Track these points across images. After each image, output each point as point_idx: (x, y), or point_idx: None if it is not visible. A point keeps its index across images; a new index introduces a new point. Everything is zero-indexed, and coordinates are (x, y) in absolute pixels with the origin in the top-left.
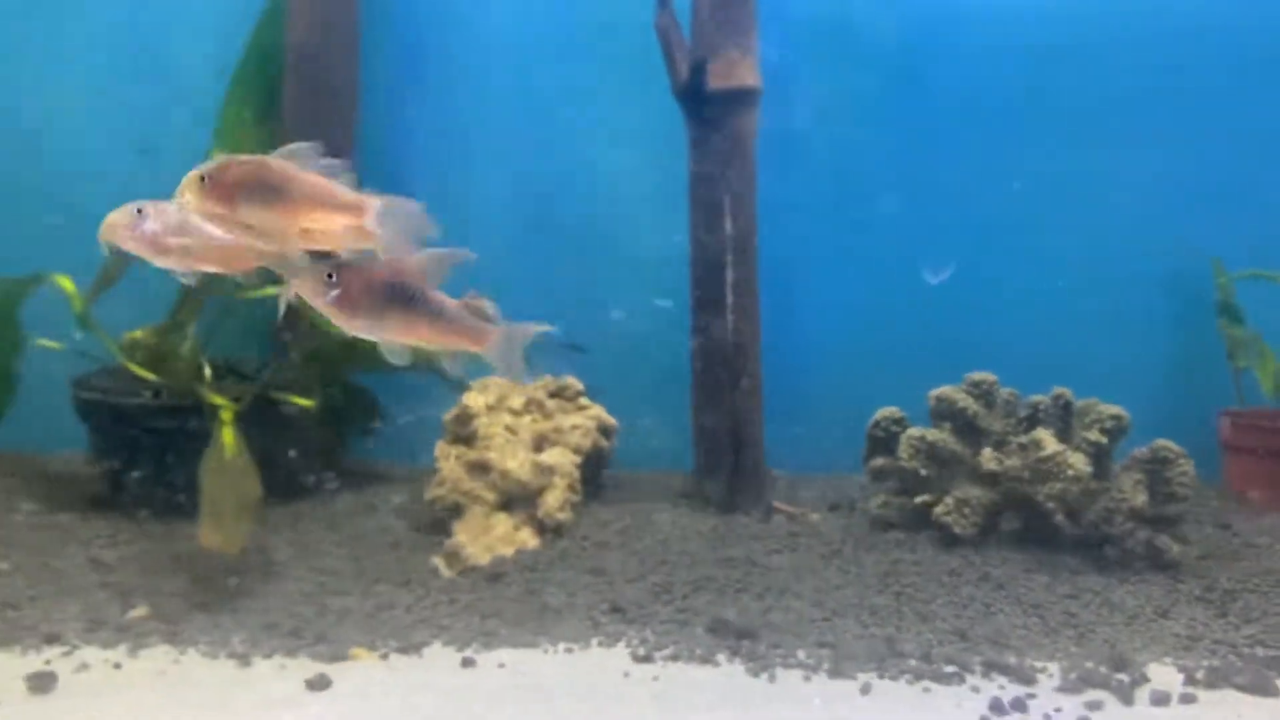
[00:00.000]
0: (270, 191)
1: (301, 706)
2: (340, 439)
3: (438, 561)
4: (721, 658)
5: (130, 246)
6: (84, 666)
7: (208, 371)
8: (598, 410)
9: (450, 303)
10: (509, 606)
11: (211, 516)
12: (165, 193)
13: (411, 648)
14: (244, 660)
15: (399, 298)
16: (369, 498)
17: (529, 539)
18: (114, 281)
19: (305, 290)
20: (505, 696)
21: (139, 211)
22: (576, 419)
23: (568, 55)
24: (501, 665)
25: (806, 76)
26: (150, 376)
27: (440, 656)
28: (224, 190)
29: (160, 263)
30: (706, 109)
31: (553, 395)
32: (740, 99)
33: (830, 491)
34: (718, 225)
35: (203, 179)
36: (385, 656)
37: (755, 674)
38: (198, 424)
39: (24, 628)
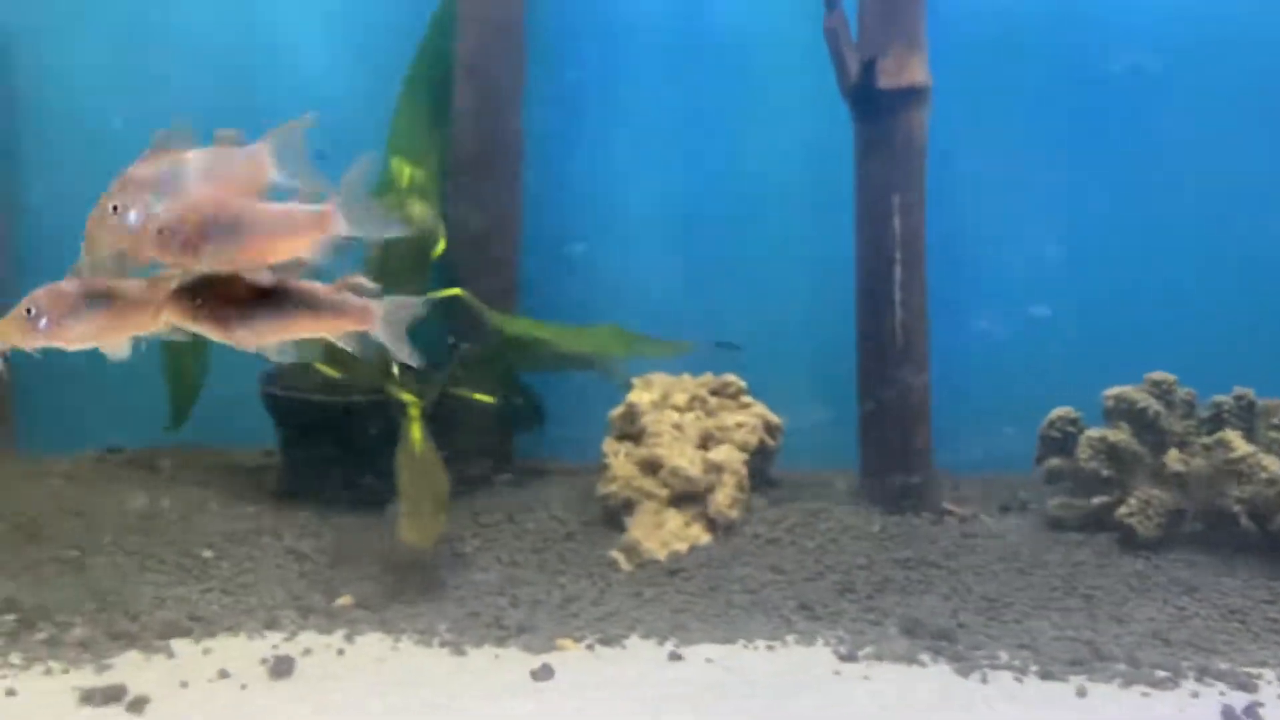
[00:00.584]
0: (230, 231)
1: (532, 696)
2: (508, 436)
3: (616, 555)
4: (925, 658)
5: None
6: (309, 651)
7: (395, 368)
8: (761, 408)
9: (323, 289)
10: (694, 602)
11: (409, 512)
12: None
13: (613, 640)
14: (457, 649)
15: (266, 297)
16: (538, 493)
17: (701, 535)
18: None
19: (176, 316)
20: (728, 691)
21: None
22: (741, 417)
23: (722, 57)
24: (709, 660)
25: (968, 71)
26: (334, 374)
27: (643, 649)
28: (184, 239)
29: None
30: (876, 108)
31: (714, 393)
32: (910, 97)
33: (993, 492)
34: (885, 223)
35: (160, 231)
36: (591, 648)
37: (964, 674)
38: (382, 420)
39: (241, 613)
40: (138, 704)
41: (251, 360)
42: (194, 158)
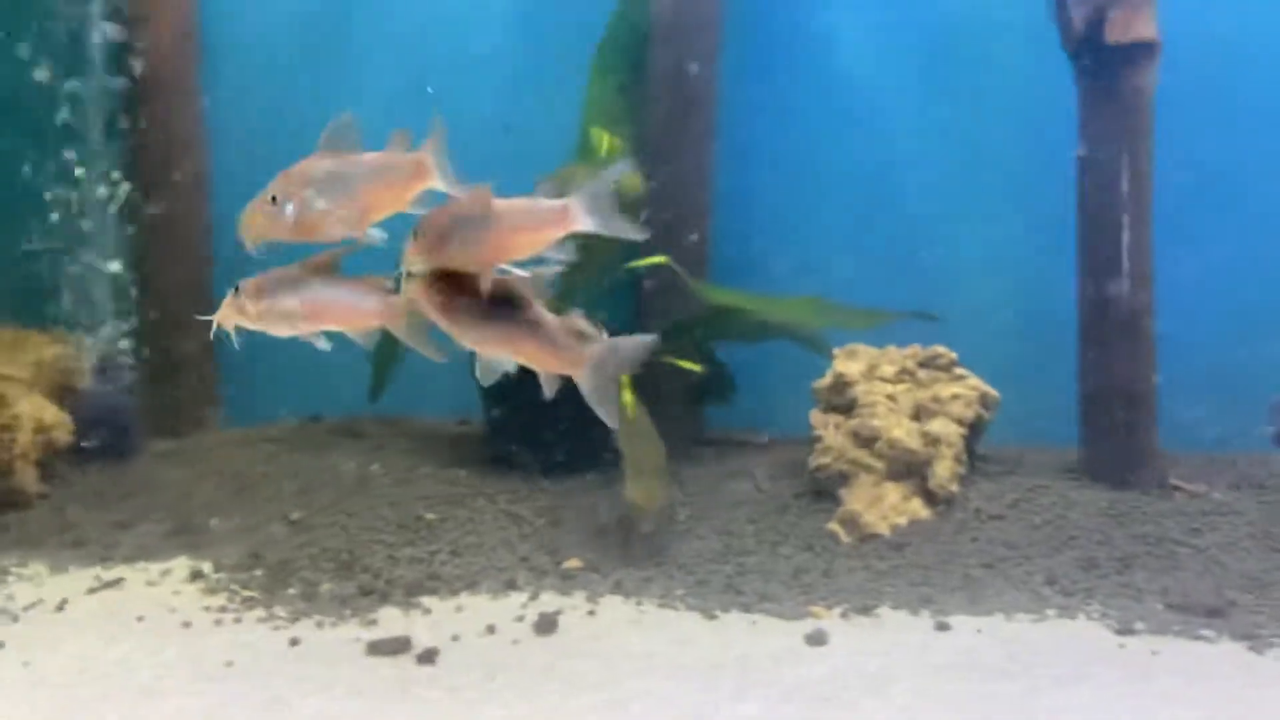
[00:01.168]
0: (478, 225)
1: (819, 659)
2: (701, 407)
3: (835, 528)
4: (1209, 634)
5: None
6: (560, 611)
7: (605, 337)
8: (977, 381)
9: (551, 320)
10: (930, 575)
11: (634, 474)
12: (528, 169)
13: (865, 609)
14: (706, 613)
15: (503, 310)
16: (736, 464)
17: (920, 509)
18: None
19: (418, 297)
20: (1023, 659)
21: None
22: (956, 389)
23: (925, 13)
24: (979, 631)
25: (1192, 29)
26: None
27: (897, 619)
28: (434, 241)
29: None
30: (1103, 64)
31: (922, 364)
32: (1139, 53)
33: (1216, 469)
34: (1112, 186)
35: (415, 235)
36: (845, 616)
37: (1259, 651)
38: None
39: (476, 573)
40: (428, 655)
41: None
42: (363, 160)
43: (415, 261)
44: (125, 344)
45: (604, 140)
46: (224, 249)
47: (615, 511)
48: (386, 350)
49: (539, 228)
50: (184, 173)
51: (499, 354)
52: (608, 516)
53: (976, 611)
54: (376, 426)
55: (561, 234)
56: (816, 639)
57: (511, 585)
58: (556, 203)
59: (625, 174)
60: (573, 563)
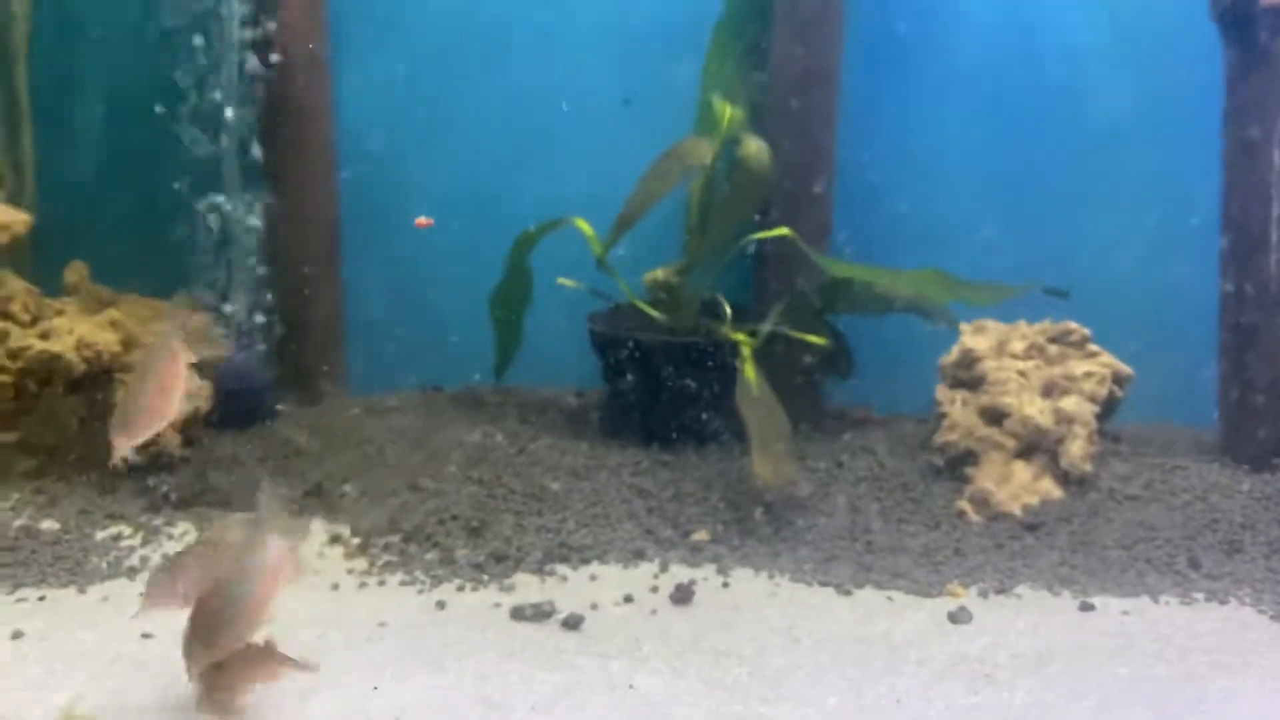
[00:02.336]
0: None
1: (967, 636)
2: (819, 382)
3: (964, 506)
4: None
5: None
6: (692, 582)
7: (728, 310)
8: (1109, 358)
9: None
10: (1067, 556)
11: (760, 450)
12: (647, 142)
13: (1001, 589)
14: (841, 589)
15: None
16: (858, 439)
17: (1052, 489)
18: (633, 225)
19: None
20: (1180, 643)
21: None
22: (1088, 366)
23: None
24: (1126, 613)
25: None
26: (656, 315)
27: (1037, 599)
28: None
29: None
30: (1253, 30)
31: (1052, 340)
32: None
33: None
34: (1261, 156)
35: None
36: (984, 596)
37: None
38: (709, 360)
39: (604, 543)
40: (572, 622)
41: (567, 306)
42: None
43: (201, 659)
44: (258, 314)
45: (726, 111)
46: (351, 219)
47: (740, 485)
48: (511, 330)
49: (279, 573)
50: (313, 143)
51: None
52: (732, 490)
53: (1120, 593)
54: (496, 396)
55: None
56: (960, 617)
57: (640, 556)
58: (280, 548)
59: (755, 146)
60: (700, 535)
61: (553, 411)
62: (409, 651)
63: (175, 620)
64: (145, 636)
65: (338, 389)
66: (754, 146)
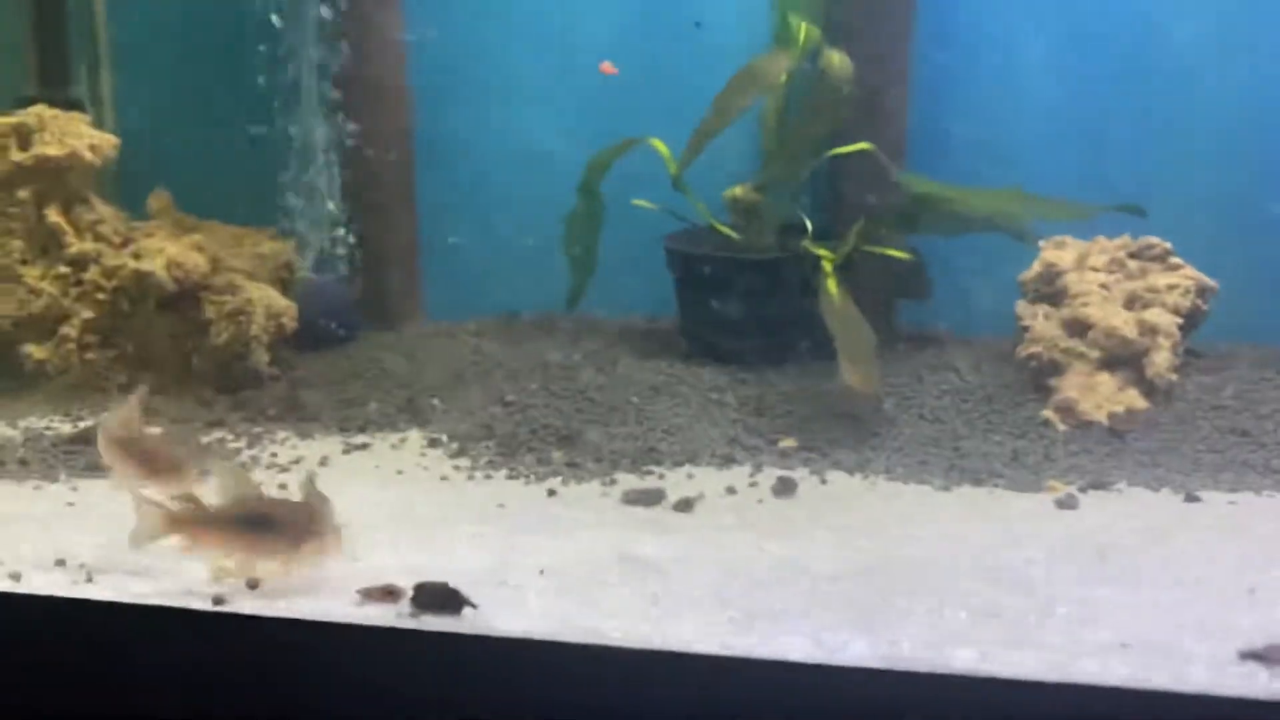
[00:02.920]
0: None
1: (1079, 520)
2: (895, 302)
3: (1049, 414)
4: None
5: None
6: (788, 480)
7: (809, 225)
8: (1192, 270)
9: None
10: (1158, 458)
11: (847, 358)
12: (720, 65)
13: (1099, 485)
14: (940, 487)
15: None
16: (935, 358)
17: (1137, 400)
18: (708, 142)
19: None
20: None
21: None
22: (1171, 278)
23: None
24: (1233, 503)
25: None
26: (734, 235)
27: (1138, 494)
28: None
29: None
30: None
31: (1133, 256)
32: None
33: None
34: None
35: None
36: (1083, 490)
37: None
38: (788, 278)
39: (693, 448)
40: (684, 504)
41: (639, 233)
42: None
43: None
44: (339, 237)
45: (802, 28)
46: (424, 143)
47: (823, 399)
48: (585, 256)
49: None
50: (386, 70)
51: None
52: (815, 403)
53: (1221, 489)
54: (570, 323)
55: None
56: (1067, 503)
57: (731, 460)
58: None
59: (838, 58)
60: (788, 442)
61: (629, 335)
62: (534, 524)
63: None
64: None
65: (418, 313)
66: (836, 58)
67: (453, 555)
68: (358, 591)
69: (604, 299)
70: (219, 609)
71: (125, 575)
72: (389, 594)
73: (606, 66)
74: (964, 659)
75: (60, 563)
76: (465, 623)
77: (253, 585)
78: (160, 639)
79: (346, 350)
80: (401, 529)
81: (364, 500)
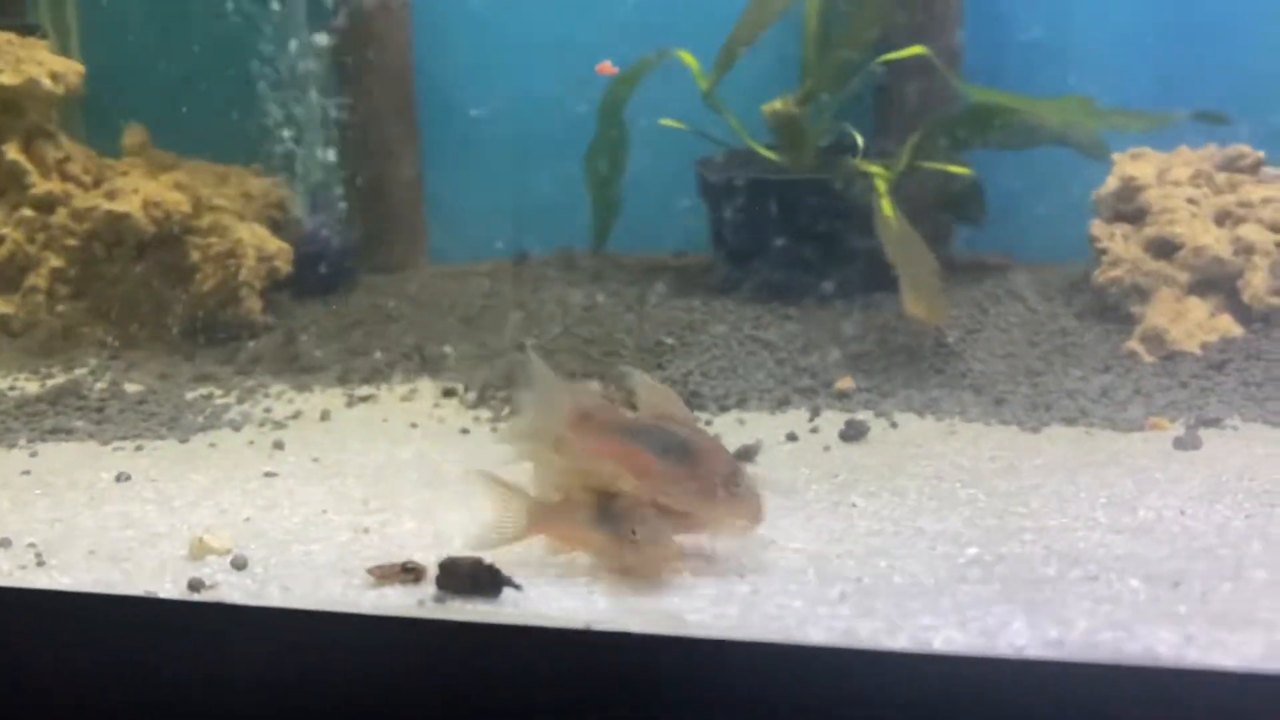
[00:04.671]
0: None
1: (1208, 463)
2: (950, 224)
3: (1135, 346)
4: None
5: None
6: (857, 423)
7: (860, 140)
8: None
9: None
10: (1266, 391)
11: (910, 287)
12: None
13: (1211, 423)
14: (1027, 427)
15: None
16: (998, 287)
17: (1231, 326)
18: (741, 52)
19: None
20: None
21: None
22: (1266, 191)
23: None
24: None
25: None
26: (773, 156)
27: (1257, 431)
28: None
29: None
30: None
31: (1221, 167)
32: None
33: None
34: None
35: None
36: (1192, 428)
37: None
38: (835, 201)
39: (740, 391)
40: (746, 453)
41: (666, 163)
42: None
43: None
44: (335, 175)
45: None
46: (425, 78)
47: (876, 334)
48: (609, 190)
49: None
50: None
51: None
52: (869, 339)
53: None
54: (591, 260)
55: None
56: (1187, 443)
57: (785, 403)
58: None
59: None
60: (845, 383)
61: (656, 272)
62: None
63: (304, 464)
64: (269, 475)
65: (420, 256)
66: None
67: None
68: (369, 571)
69: (627, 235)
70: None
71: (84, 557)
72: (408, 572)
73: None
74: (1168, 643)
75: (4, 543)
76: (505, 608)
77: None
78: (110, 633)
79: (347, 296)
80: (423, 491)
81: (368, 458)
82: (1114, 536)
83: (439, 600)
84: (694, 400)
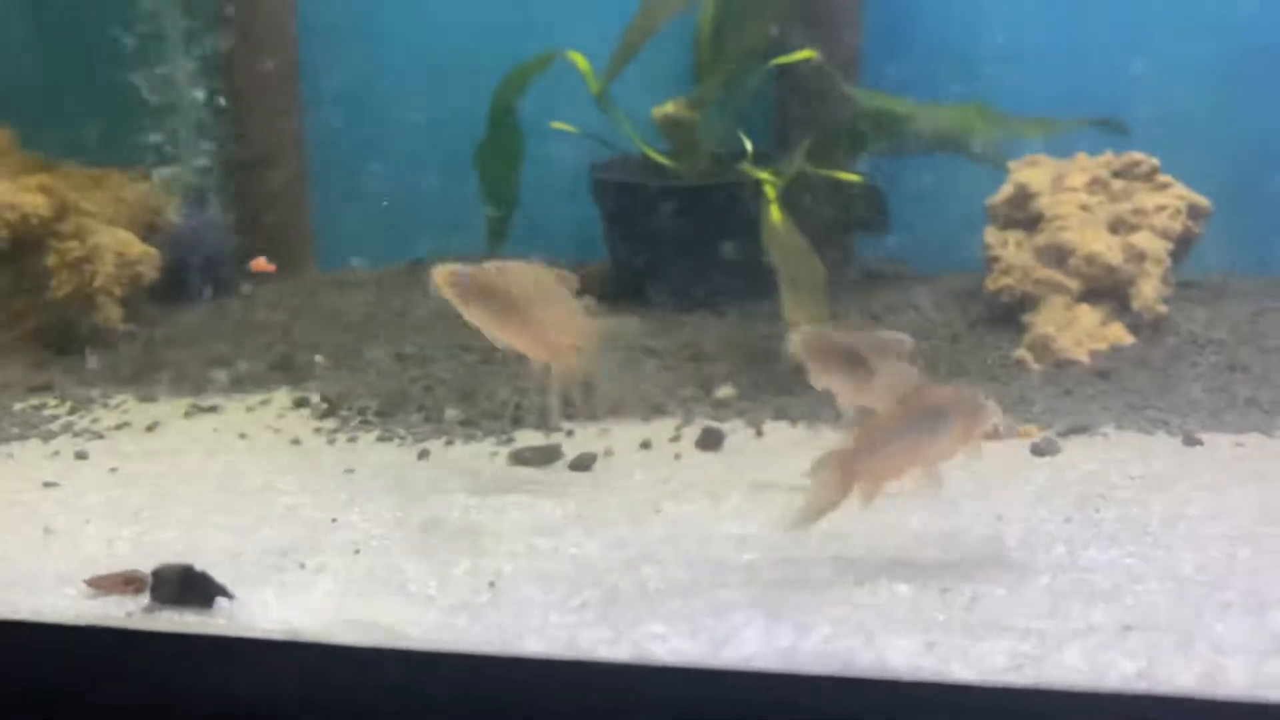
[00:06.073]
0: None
1: (1063, 468)
2: (849, 234)
3: (1023, 354)
4: None
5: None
6: (713, 431)
7: (749, 146)
8: (1183, 189)
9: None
10: (1150, 399)
11: (791, 292)
12: None
13: (1082, 429)
14: None
15: None
16: (894, 296)
17: (1122, 334)
18: (633, 54)
19: None
20: None
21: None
22: (1160, 198)
23: None
24: (1239, 445)
25: None
26: (664, 161)
27: (1129, 438)
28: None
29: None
30: None
31: (1117, 174)
32: None
33: None
34: None
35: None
36: (1064, 435)
37: None
38: (726, 207)
39: (617, 399)
40: (581, 463)
41: (558, 167)
42: None
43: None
44: (211, 180)
45: None
46: (311, 86)
47: (766, 343)
48: (502, 190)
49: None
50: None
51: None
52: (757, 348)
53: (1225, 430)
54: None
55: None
56: (1045, 449)
57: (660, 410)
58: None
59: None
60: (725, 391)
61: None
62: (376, 492)
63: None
64: (48, 485)
65: (308, 262)
66: None
67: (254, 532)
68: (86, 581)
69: (526, 242)
70: None
71: None
72: (129, 583)
73: (259, 264)
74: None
75: None
76: (217, 616)
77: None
78: None
79: (222, 303)
80: (207, 502)
81: (174, 469)
82: (920, 546)
83: (149, 611)
84: (567, 409)
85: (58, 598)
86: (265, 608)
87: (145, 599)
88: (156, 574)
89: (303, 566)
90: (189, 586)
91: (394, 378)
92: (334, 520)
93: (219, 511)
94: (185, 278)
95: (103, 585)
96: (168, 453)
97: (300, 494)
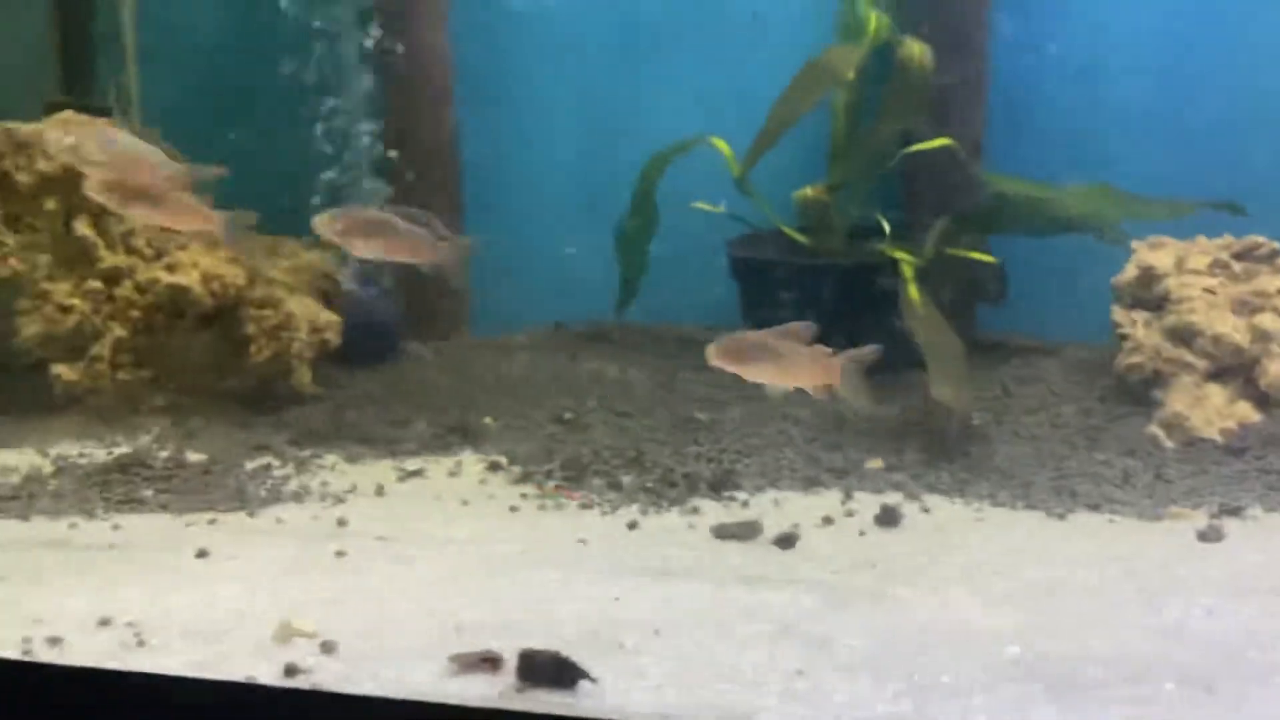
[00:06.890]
0: None
1: (1231, 557)
2: (973, 306)
3: (1155, 431)
4: None
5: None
6: (891, 510)
7: (886, 226)
8: None
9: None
10: None
11: (937, 370)
12: (780, 59)
13: (1232, 512)
14: (1052, 513)
15: None
16: (1022, 369)
17: (1250, 412)
18: (774, 142)
19: None
20: None
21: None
22: None
23: None
24: None
25: None
26: (801, 239)
27: (1274, 521)
28: None
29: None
30: None
31: (1238, 256)
32: None
33: None
34: None
35: None
36: (1217, 517)
37: None
38: (863, 284)
39: (772, 470)
40: (784, 541)
41: (692, 237)
42: None
43: None
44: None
45: (872, 17)
46: (471, 158)
47: (905, 415)
48: (635, 259)
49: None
50: (428, 76)
51: None
52: (898, 419)
53: None
54: (623, 333)
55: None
56: (1209, 535)
57: (816, 483)
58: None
59: (918, 48)
60: (875, 463)
61: (687, 345)
62: (627, 566)
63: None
64: (339, 555)
65: (464, 327)
66: (916, 48)
67: (551, 610)
68: (450, 659)
69: (659, 307)
70: (292, 685)
71: (181, 637)
72: (488, 662)
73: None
74: None
75: (105, 622)
76: (581, 698)
77: None
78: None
79: (392, 366)
80: (490, 572)
81: (437, 538)
82: (1145, 641)
83: (519, 691)
84: (730, 479)
85: (423, 674)
86: (624, 692)
87: (510, 678)
88: (525, 656)
89: (622, 647)
90: (562, 669)
91: (563, 442)
92: (616, 599)
93: (515, 585)
94: (358, 342)
95: (464, 663)
96: (413, 519)
97: (561, 568)
